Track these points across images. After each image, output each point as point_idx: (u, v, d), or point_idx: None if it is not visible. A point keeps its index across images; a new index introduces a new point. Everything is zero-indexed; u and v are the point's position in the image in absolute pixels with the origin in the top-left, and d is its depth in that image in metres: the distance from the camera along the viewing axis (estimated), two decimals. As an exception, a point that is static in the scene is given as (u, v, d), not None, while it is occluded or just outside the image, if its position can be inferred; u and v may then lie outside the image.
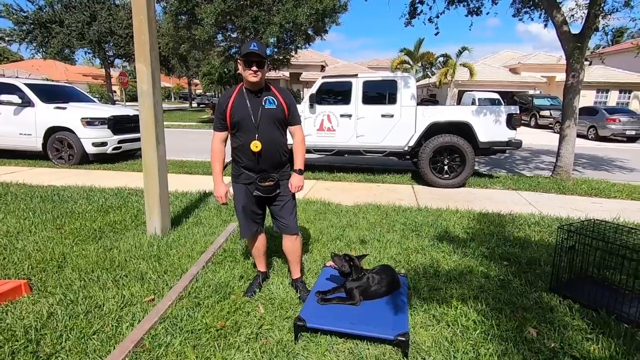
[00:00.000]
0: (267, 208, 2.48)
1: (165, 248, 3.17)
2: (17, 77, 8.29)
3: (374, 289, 2.29)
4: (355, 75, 6.25)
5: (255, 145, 2.18)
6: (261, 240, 2.55)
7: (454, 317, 2.22)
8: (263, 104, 2.22)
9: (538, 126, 18.49)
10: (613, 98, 21.81)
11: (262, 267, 2.65)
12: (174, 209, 4.19)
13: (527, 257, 3.13)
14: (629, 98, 21.75)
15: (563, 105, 6.37)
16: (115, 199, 4.61)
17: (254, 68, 2.11)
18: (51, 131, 6.93)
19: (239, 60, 2.15)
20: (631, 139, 14.25)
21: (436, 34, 8.31)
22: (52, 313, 2.18)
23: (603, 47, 7.18)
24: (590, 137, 14.50)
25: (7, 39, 19.67)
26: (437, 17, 7.97)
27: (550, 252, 3.23)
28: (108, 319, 2.13)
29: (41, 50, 19.51)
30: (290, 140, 2.36)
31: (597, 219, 2.81)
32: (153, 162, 3.40)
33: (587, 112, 14.69)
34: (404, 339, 1.84)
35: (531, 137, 13.71)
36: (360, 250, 3.26)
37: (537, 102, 19.22)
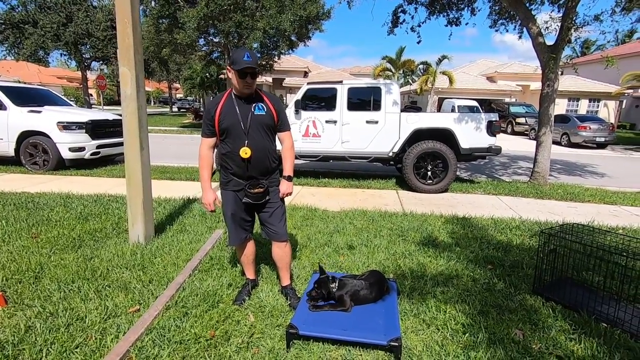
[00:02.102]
0: (255, 215, 2.46)
1: (149, 256, 3.08)
2: (-13, 78, 7.94)
3: (364, 295, 2.29)
4: (340, 82, 6.31)
5: (245, 152, 2.16)
6: (250, 248, 2.52)
7: (444, 321, 2.25)
8: (252, 110, 2.21)
9: (514, 133, 19.14)
10: (583, 106, 22.84)
11: (251, 275, 2.61)
12: (157, 216, 4.09)
13: (510, 261, 3.22)
14: (597, 106, 22.84)
15: (539, 113, 6.62)
16: (94, 206, 4.45)
17: (249, 80, 2.10)
18: (25, 135, 6.65)
19: (229, 68, 2.13)
20: (601, 146, 14.96)
21: (418, 43, 8.51)
22: (30, 326, 2.07)
23: (572, 59, 7.55)
24: (563, 144, 15.12)
25: (-24, 39, 18.82)
26: (419, 26, 8.19)
27: (532, 255, 3.34)
28: (91, 332, 2.05)
29: (13, 51, 18.75)
30: (279, 147, 2.35)
31: (575, 223, 2.92)
32: (136, 168, 3.31)
33: (560, 119, 15.33)
34: (396, 344, 1.85)
35: (508, 144, 14.15)
36: (348, 255, 3.26)
37: (513, 109, 19.90)
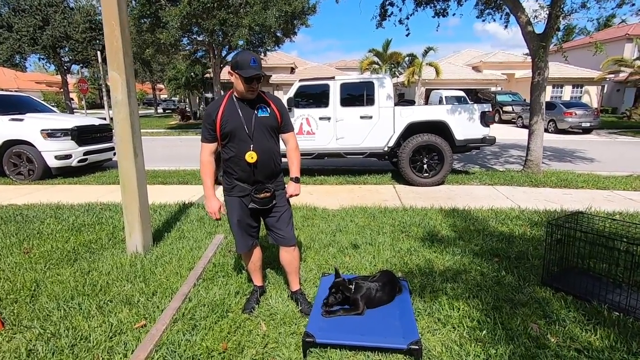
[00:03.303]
0: (261, 220, 2.39)
1: (150, 267, 2.98)
2: (-37, 87, 7.61)
3: (378, 297, 2.25)
4: (333, 78, 6.24)
5: (251, 156, 2.08)
6: (257, 254, 2.45)
7: (458, 318, 2.22)
8: (256, 112, 2.13)
9: (502, 121, 19.34)
10: (567, 92, 23.23)
11: (258, 282, 2.54)
12: (154, 223, 3.97)
13: (515, 252, 3.22)
14: (581, 92, 23.26)
15: (530, 102, 6.67)
16: (87, 215, 4.30)
17: (254, 85, 2.03)
18: (7, 145, 6.41)
19: (232, 72, 2.03)
20: (586, 131, 15.24)
21: (407, 35, 8.46)
22: (31, 350, 1.97)
23: (561, 46, 7.59)
24: (550, 130, 15.34)
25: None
26: (407, 18, 8.13)
27: (535, 245, 3.35)
28: (97, 351, 1.96)
29: (-12, 57, 18.09)
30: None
31: (580, 212, 2.93)
32: (131, 176, 3.20)
33: (547, 106, 15.45)
34: (417, 347, 1.81)
35: (497, 132, 14.22)
36: (354, 255, 3.22)
37: (499, 98, 20.09)
